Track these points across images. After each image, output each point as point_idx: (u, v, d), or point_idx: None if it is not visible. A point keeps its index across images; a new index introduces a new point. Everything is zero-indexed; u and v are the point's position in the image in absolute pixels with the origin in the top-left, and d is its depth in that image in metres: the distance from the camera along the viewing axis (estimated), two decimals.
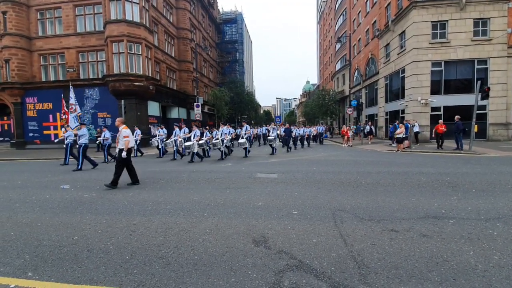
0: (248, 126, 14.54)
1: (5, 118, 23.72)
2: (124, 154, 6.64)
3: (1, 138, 24.87)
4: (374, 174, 7.78)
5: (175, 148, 13.12)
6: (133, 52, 19.09)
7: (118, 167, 6.70)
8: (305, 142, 19.83)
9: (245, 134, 14.52)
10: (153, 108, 22.60)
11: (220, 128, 13.36)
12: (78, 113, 13.06)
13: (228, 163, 11.08)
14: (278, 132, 23.66)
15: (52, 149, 18.99)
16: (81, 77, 21.11)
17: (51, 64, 21.61)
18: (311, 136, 21.96)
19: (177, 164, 11.16)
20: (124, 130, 6.82)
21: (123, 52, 18.72)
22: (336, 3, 42.98)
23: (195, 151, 11.69)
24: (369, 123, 22.86)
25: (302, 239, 3.38)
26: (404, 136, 14.33)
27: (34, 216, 4.53)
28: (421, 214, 4.20)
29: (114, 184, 6.60)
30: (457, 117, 13.80)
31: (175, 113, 27.05)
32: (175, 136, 13.42)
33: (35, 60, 21.50)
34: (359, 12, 31.59)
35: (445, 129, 14.41)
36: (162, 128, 15.27)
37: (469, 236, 3.37)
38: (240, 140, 13.26)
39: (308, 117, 48.93)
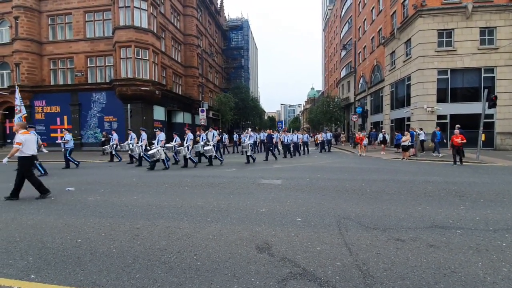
0: (216, 132, 13.18)
1: (14, 120, 24.09)
2: (5, 160, 5.84)
3: (9, 140, 25.22)
4: (379, 182, 7.69)
5: (142, 154, 12.18)
6: (140, 57, 19.40)
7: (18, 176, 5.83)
8: (301, 149, 18.42)
9: (212, 140, 12.85)
10: (159, 113, 22.81)
11: (186, 134, 12.29)
12: (23, 115, 12.70)
13: (231, 168, 11.08)
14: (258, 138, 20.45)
15: (59, 152, 19.17)
16: (89, 81, 21.47)
17: (60, 68, 22.06)
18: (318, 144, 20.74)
19: (177, 168, 11.18)
20: (18, 136, 5.74)
21: (131, 57, 19.03)
22: (342, 11, 43.28)
23: (162, 157, 10.83)
24: (383, 131, 20.88)
25: (306, 246, 3.33)
26: (409, 144, 14.22)
27: (39, 218, 4.55)
28: (428, 223, 4.12)
29: (13, 196, 5.78)
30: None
31: (180, 117, 27.26)
32: (131, 140, 12.65)
33: (45, 64, 21.96)
34: (365, 19, 31.74)
35: (463, 140, 11.45)
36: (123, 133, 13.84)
37: (477, 247, 3.29)
38: (206, 148, 12.04)
39: (313, 123, 48.90)
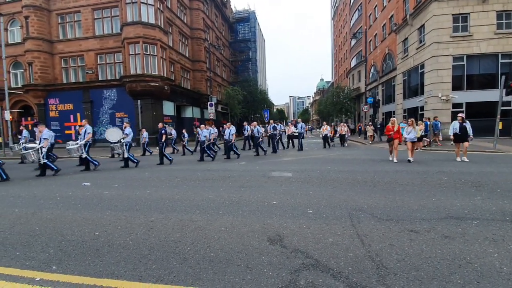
0: (89, 127, 9.93)
1: (29, 118, 24.84)
2: None
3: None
4: (391, 173, 7.58)
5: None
6: (148, 53, 19.52)
7: None
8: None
9: (84, 138, 9.79)
10: (168, 108, 23.04)
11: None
12: None
13: (241, 161, 11.13)
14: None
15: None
16: (100, 78, 21.83)
17: (71, 66, 22.48)
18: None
19: (188, 162, 11.30)
20: None
21: (139, 53, 19.18)
22: None
23: (35, 159, 8.77)
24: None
25: (318, 238, 3.34)
26: (423, 134, 13.85)
27: (58, 212, 4.72)
28: (443, 214, 4.05)
29: None
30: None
31: (189, 112, 27.45)
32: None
33: (57, 63, 22.41)
34: (375, 6, 30.78)
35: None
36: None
37: (493, 237, 3.22)
38: (69, 147, 9.78)
39: (322, 115, 48.32)
